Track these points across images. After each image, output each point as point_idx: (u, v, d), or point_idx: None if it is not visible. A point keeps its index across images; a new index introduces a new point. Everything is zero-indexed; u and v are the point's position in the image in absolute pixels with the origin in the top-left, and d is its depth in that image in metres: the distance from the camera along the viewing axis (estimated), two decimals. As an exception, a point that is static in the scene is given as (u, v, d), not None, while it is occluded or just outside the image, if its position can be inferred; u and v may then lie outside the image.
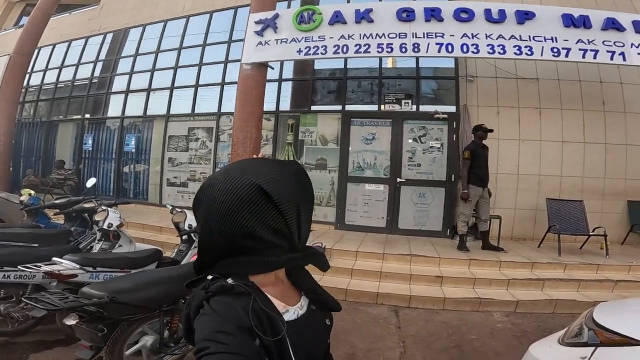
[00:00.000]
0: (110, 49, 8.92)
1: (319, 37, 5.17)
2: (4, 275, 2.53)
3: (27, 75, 8.96)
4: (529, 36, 4.69)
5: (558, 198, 5.34)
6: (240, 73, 5.54)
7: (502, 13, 4.80)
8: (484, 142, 4.96)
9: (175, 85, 7.76)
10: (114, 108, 8.44)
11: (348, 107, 6.49)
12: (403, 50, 4.92)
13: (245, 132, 5.36)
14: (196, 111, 7.48)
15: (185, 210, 3.14)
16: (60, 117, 9.39)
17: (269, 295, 0.62)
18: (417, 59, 6.26)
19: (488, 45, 4.72)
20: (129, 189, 8.06)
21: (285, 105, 6.93)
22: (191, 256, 2.93)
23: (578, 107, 5.80)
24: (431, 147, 6.08)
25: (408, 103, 6.27)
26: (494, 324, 3.41)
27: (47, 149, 9.31)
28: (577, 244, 5.09)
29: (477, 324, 3.40)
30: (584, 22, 4.68)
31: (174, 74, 7.81)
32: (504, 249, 4.79)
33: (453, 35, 4.81)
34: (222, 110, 7.15)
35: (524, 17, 4.75)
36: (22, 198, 4.07)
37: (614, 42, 4.60)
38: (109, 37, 9.00)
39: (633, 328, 1.57)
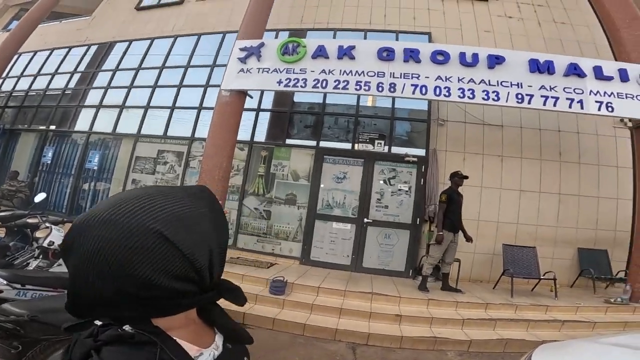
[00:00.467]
0: (92, 61, 8.79)
1: (300, 70, 5.21)
2: None
3: (1, 80, 8.61)
4: (497, 81, 4.79)
5: (513, 244, 5.55)
6: (218, 99, 5.50)
7: (475, 57, 4.93)
8: (460, 189, 5.02)
9: (151, 104, 7.60)
10: (83, 122, 8.15)
11: (322, 144, 6.50)
12: (380, 89, 4.97)
13: (215, 160, 5.21)
14: (169, 134, 7.28)
15: (53, 227, 2.99)
16: (25, 126, 8.95)
17: (178, 340, 0.52)
18: (394, 99, 6.40)
19: (459, 89, 4.80)
20: (85, 207, 7.60)
21: (261, 136, 6.84)
22: None
23: (537, 157, 6.07)
24: (399, 189, 6.16)
25: (381, 144, 6.35)
26: (448, 365, 3.38)
27: (4, 158, 8.75)
28: (529, 286, 5.25)
29: (432, 364, 3.35)
30: (548, 68, 4.77)
31: (152, 93, 7.68)
32: (461, 290, 4.86)
33: (428, 77, 4.90)
34: (196, 135, 7.01)
35: (494, 61, 4.87)
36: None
37: (574, 89, 4.67)
38: (93, 49, 8.90)
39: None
